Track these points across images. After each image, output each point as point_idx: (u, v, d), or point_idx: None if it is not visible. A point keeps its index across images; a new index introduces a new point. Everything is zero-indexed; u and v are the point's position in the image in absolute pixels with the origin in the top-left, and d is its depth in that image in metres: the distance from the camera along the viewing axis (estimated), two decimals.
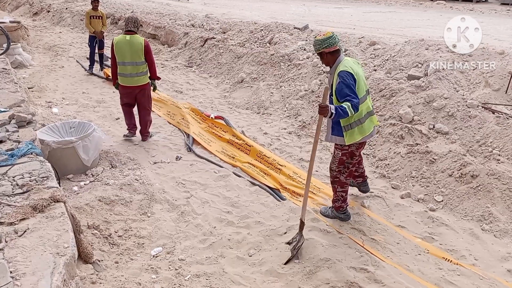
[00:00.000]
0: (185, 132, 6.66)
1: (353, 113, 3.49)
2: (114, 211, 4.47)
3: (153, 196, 4.82)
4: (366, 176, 4.67)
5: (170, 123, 7.20)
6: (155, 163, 5.70)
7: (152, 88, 6.28)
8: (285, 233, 4.02)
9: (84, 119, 7.23)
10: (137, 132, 6.53)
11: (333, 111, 3.39)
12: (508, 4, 19.64)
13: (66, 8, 18.86)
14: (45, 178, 3.55)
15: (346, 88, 3.52)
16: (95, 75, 10.26)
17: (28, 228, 2.84)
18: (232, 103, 8.32)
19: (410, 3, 20.95)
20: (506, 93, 5.65)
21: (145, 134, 6.40)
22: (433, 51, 6.79)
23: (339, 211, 4.18)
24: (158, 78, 6.30)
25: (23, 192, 3.30)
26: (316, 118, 6.85)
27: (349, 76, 3.56)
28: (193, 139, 6.39)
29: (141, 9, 16.17)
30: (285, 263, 3.62)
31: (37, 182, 3.48)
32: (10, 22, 12.73)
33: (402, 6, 19.80)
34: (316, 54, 3.85)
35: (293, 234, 3.94)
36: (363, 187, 4.68)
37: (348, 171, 4.02)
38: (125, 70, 5.93)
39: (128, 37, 5.82)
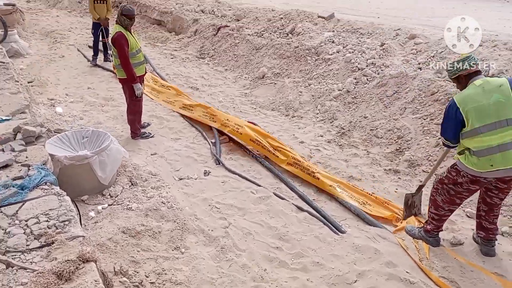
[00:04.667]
0: (210, 141, 5.87)
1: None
2: (141, 246, 3.75)
3: (185, 225, 4.08)
4: (492, 235, 3.60)
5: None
6: (181, 179, 4.96)
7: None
8: (356, 281, 3.31)
9: (92, 121, 6.46)
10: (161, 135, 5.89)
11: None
12: None
13: None
14: (66, 222, 2.81)
15: (443, 119, 3.46)
16: (99, 66, 9.36)
17: None
18: (255, 102, 7.52)
19: None
20: None
21: (131, 131, 5.94)
22: (488, 48, 6.04)
23: (427, 233, 3.81)
24: (131, 81, 5.46)
25: (41, 246, 2.57)
26: (356, 124, 6.12)
27: (450, 108, 3.34)
28: (220, 148, 5.63)
29: None
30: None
31: (57, 228, 2.75)
32: (5, 4, 11.69)
33: None
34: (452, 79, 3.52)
35: (365, 282, 3.26)
36: (485, 247, 3.63)
37: (448, 196, 3.55)
38: None
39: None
